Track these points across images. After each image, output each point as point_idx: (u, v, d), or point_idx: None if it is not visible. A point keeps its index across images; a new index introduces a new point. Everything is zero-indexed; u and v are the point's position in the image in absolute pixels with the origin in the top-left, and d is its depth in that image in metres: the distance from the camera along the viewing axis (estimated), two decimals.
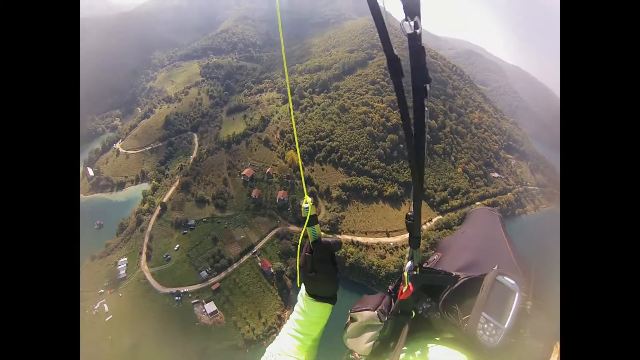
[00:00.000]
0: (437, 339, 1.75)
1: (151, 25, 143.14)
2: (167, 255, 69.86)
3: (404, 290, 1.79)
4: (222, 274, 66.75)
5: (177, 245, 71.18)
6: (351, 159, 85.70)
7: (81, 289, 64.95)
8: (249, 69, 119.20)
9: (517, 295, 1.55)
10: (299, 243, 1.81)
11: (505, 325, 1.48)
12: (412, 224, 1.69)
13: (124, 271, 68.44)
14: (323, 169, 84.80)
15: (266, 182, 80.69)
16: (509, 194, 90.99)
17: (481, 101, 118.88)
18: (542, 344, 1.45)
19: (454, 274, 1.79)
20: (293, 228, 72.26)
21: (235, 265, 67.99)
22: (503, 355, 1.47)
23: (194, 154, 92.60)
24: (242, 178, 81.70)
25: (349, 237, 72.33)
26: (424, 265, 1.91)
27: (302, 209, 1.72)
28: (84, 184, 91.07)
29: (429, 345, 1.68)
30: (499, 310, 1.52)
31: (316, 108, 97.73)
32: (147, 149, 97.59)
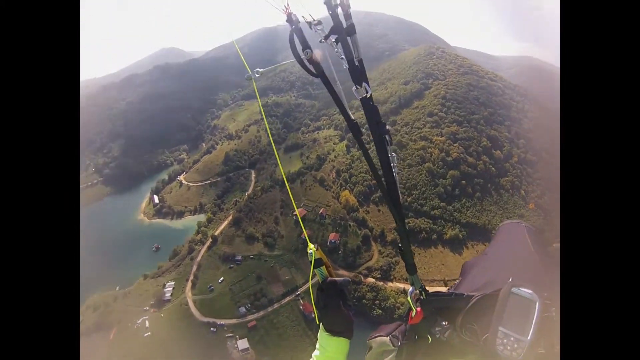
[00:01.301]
0: None
1: (217, 69, 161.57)
2: (210, 286, 71.88)
3: (412, 315, 1.89)
4: (261, 313, 66.09)
5: (222, 278, 72.94)
6: (409, 199, 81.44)
7: (129, 303, 71.42)
8: (307, 107, 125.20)
9: (537, 304, 1.50)
10: (309, 284, 1.99)
11: (528, 337, 1.44)
12: (403, 252, 1.86)
13: (170, 294, 72.59)
14: (379, 211, 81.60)
15: (318, 223, 79.63)
16: None
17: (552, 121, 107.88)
18: None
19: (465, 294, 1.80)
20: (342, 272, 68.77)
21: (275, 306, 66.86)
22: None
23: (250, 191, 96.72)
24: (294, 217, 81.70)
25: (401, 286, 67.07)
26: (448, 290, 2.01)
27: (307, 255, 1.94)
28: (149, 210, 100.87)
29: None
30: (520, 322, 1.48)
31: (373, 146, 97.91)
32: (206, 182, 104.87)
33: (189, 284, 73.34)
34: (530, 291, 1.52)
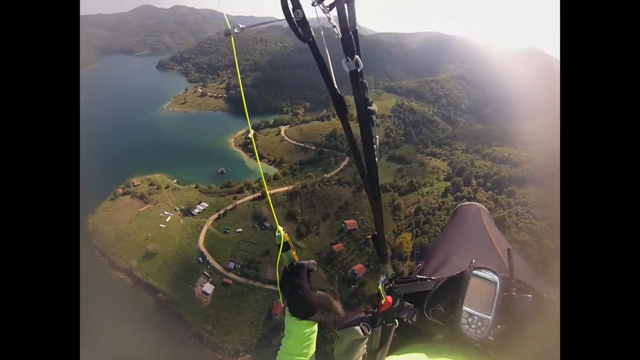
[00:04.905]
0: (429, 343, 1.85)
1: (385, 54, 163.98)
2: (227, 229, 79.63)
3: (382, 303, 2.01)
4: (242, 279, 69.87)
5: (241, 230, 79.38)
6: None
7: (171, 196, 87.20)
8: (438, 127, 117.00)
9: (497, 285, 1.70)
10: (277, 267, 2.10)
11: (491, 316, 1.61)
12: (377, 240, 1.89)
13: (198, 211, 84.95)
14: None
15: (358, 245, 75.91)
16: None
17: None
18: (536, 325, 1.59)
19: (431, 278, 2.01)
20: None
21: (256, 284, 69.18)
22: (499, 344, 1.58)
23: (330, 175, 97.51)
24: (342, 224, 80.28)
25: None
26: (410, 275, 2.17)
27: (275, 237, 2.03)
28: (239, 139, 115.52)
29: (405, 355, 1.76)
30: (483, 302, 1.66)
31: (470, 194, 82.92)
32: (300, 144, 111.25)
33: (216, 215, 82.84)
34: (490, 273, 1.71)
